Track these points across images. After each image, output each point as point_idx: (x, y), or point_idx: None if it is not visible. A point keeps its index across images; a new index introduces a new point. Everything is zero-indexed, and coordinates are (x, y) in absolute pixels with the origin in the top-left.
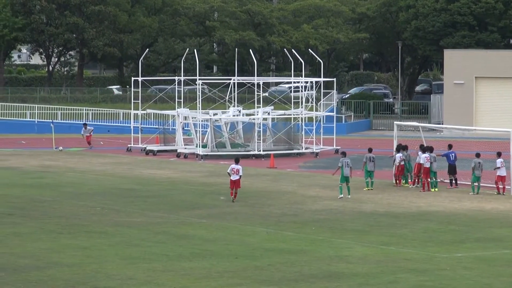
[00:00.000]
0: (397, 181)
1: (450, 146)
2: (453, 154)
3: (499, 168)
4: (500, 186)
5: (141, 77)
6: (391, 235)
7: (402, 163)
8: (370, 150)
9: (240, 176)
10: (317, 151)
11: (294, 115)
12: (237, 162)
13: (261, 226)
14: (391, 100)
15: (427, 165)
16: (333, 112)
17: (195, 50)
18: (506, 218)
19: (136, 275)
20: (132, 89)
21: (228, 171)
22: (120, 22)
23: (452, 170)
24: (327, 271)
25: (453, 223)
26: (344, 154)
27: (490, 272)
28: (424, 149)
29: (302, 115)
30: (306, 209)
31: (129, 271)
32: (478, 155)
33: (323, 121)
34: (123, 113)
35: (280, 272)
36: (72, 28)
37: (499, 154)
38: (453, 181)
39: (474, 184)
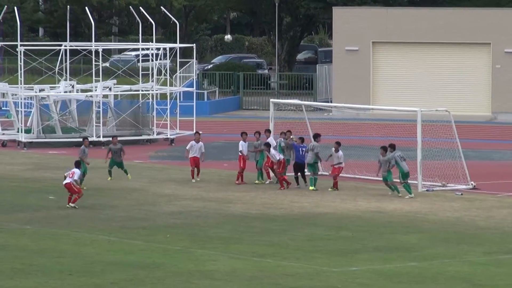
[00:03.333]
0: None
1: (302, 140)
2: (303, 148)
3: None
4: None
5: None
6: (267, 243)
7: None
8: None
9: (76, 180)
10: (172, 137)
11: (142, 91)
12: (77, 166)
13: (101, 234)
14: (266, 71)
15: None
16: (193, 87)
17: (15, 8)
18: (412, 221)
19: None
20: None
21: (65, 174)
22: None
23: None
24: None
25: (345, 228)
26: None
27: None
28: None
29: (153, 91)
30: (158, 211)
31: None
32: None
33: (180, 99)
34: None
35: None
36: None
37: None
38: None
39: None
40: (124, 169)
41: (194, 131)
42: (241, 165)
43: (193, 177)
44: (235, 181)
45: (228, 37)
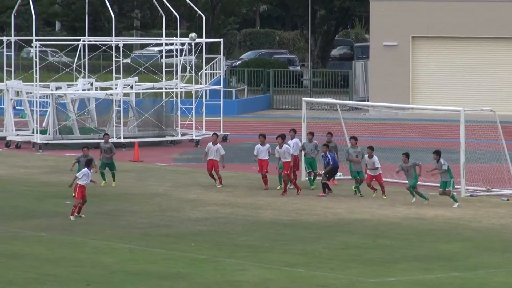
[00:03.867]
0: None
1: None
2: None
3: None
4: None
5: None
6: (299, 252)
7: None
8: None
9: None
10: (197, 138)
11: (166, 89)
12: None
13: (121, 241)
14: (299, 68)
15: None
16: (220, 85)
17: (30, 0)
18: (455, 229)
19: None
20: None
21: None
22: None
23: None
24: None
25: (383, 236)
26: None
27: None
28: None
29: (177, 89)
30: (183, 217)
31: None
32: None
33: (206, 98)
34: None
35: None
36: None
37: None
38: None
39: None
40: (113, 172)
41: (212, 133)
42: (259, 170)
43: (214, 179)
44: (264, 187)
45: (192, 35)
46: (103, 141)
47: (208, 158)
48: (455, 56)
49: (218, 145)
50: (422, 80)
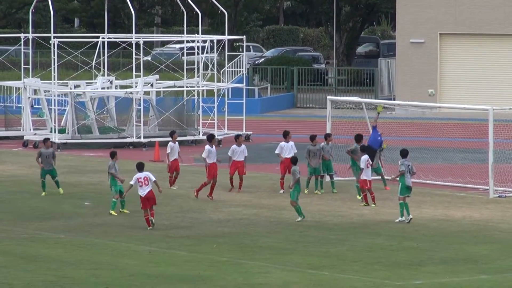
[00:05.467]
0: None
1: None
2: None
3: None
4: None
5: None
6: (323, 255)
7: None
8: (312, 138)
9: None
10: (219, 137)
11: (187, 87)
12: (141, 169)
13: (141, 243)
14: (323, 66)
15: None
16: (243, 83)
17: None
18: (483, 231)
19: None
20: None
21: (132, 183)
22: None
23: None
24: None
25: (409, 238)
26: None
27: None
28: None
29: (198, 87)
30: (204, 219)
31: None
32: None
33: (228, 96)
34: None
35: None
36: None
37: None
38: None
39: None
40: (56, 180)
41: (236, 134)
42: (282, 171)
43: (232, 186)
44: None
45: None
46: (43, 147)
47: (233, 159)
48: (484, 54)
49: (243, 146)
50: (450, 78)
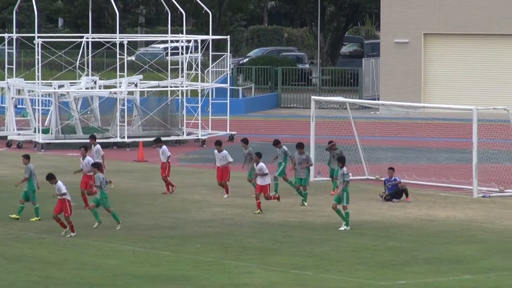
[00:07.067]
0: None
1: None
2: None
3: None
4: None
5: None
6: (307, 255)
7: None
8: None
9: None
10: (203, 137)
11: (171, 87)
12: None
13: (125, 243)
14: (307, 66)
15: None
16: (227, 83)
17: None
18: (467, 231)
19: None
20: None
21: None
22: None
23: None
24: None
25: (393, 238)
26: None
27: None
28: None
29: (183, 87)
30: (188, 219)
31: None
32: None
33: (212, 96)
34: None
35: None
36: None
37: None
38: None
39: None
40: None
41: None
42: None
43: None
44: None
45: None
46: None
47: (217, 165)
48: (468, 54)
49: (224, 151)
50: (434, 78)
